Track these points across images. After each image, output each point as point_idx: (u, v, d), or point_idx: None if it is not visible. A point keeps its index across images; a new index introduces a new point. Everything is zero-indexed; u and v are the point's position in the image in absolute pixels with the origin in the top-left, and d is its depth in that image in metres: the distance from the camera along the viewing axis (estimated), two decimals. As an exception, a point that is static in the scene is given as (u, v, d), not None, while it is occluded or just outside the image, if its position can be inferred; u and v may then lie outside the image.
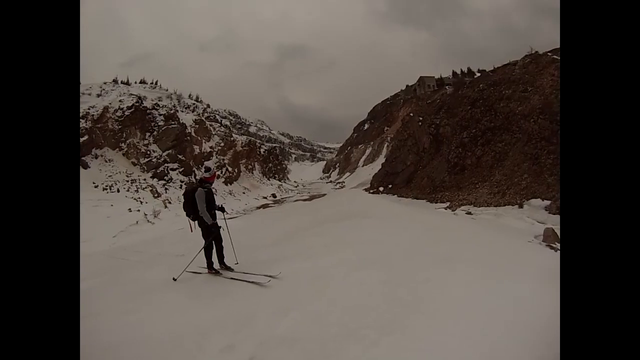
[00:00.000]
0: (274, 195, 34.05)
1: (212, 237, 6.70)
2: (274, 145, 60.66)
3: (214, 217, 6.73)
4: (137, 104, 30.55)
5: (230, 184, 32.88)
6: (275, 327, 4.08)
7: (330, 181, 52.21)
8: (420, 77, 56.10)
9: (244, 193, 32.14)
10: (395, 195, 20.03)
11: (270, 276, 5.97)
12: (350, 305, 4.28)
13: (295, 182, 51.78)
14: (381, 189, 23.48)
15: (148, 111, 31.00)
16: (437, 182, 17.96)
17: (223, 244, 6.83)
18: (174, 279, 6.52)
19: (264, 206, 25.89)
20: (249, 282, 5.90)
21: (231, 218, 15.16)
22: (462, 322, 3.65)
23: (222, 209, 6.96)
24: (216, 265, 6.84)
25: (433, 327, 3.68)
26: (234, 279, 6.24)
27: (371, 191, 23.99)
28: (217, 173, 30.56)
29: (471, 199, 14.19)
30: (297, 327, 4.00)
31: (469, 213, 11.84)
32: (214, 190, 6.96)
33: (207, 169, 6.84)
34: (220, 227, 6.80)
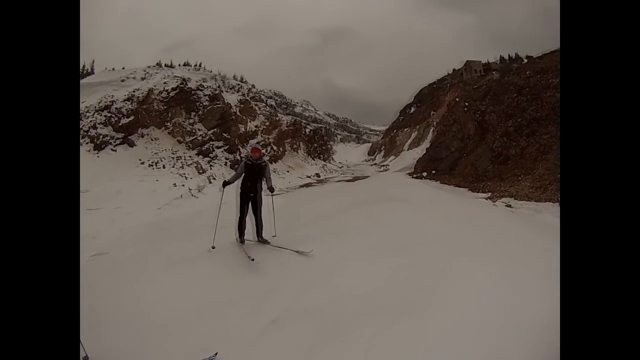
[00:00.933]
0: (317, 175, 34.15)
1: (238, 207, 7.45)
2: (319, 125, 60.50)
3: (246, 188, 7.38)
4: (181, 85, 31.13)
5: (275, 162, 33.13)
6: (299, 298, 4.49)
7: (375, 163, 51.41)
8: (467, 61, 54.48)
9: (288, 172, 32.45)
10: (438, 182, 19.62)
11: (302, 252, 6.44)
12: (374, 287, 4.50)
13: (340, 163, 51.43)
14: (424, 174, 23.11)
15: (193, 92, 31.55)
16: (479, 171, 17.44)
17: (257, 217, 7.45)
18: (212, 248, 7.19)
19: (307, 185, 25.97)
20: (282, 253, 6.45)
21: (274, 195, 15.34)
22: (479, 315, 3.72)
23: (271, 189, 7.44)
24: (250, 236, 7.50)
25: (450, 317, 3.76)
26: (273, 248, 6.87)
27: (414, 176, 23.76)
28: (263, 151, 31.46)
29: (513, 191, 13.65)
30: (319, 301, 4.34)
31: (509, 206, 11.52)
32: (263, 165, 7.54)
33: (250, 145, 7.88)
34: (250, 199, 7.41)
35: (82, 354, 3.65)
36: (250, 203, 7.49)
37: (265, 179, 7.52)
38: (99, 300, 5.04)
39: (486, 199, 13.21)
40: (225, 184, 7.58)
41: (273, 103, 46.57)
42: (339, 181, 27.24)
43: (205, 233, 7.75)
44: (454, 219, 8.32)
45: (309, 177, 32.63)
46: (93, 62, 39.16)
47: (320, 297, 4.46)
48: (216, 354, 3.45)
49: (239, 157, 27.89)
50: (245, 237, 7.48)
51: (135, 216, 13.98)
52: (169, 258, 7.34)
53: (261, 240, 7.48)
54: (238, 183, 7.56)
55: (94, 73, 38.08)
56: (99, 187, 17.64)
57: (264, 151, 32.84)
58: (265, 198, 7.62)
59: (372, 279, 4.81)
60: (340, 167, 46.19)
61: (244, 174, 7.52)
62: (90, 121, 25.68)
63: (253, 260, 6.20)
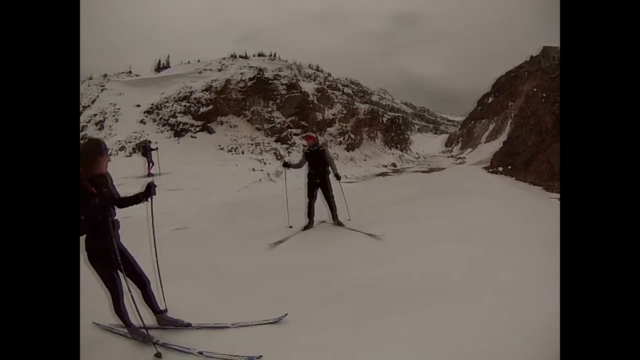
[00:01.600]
0: (394, 165, 33.56)
1: (306, 193, 8.02)
2: (397, 114, 58.93)
3: (311, 176, 7.83)
4: (258, 76, 31.88)
5: (352, 151, 32.97)
6: (365, 275, 4.89)
7: (452, 155, 49.40)
8: (544, 47, 49.27)
9: (364, 160, 32.17)
10: (513, 178, 18.52)
11: (374, 235, 6.81)
12: (434, 270, 4.77)
13: (416, 153, 49.81)
14: (500, 169, 21.94)
15: (270, 81, 32.18)
16: (555, 169, 15.92)
17: (329, 202, 7.89)
18: (290, 227, 7.84)
19: (383, 174, 25.80)
20: (355, 235, 6.95)
21: (350, 182, 17.08)
22: (530, 307, 3.74)
23: (337, 177, 8.00)
24: (323, 217, 8.10)
25: (502, 305, 3.86)
26: (347, 230, 7.42)
27: (490, 170, 22.78)
28: (340, 139, 31.53)
29: (588, 192, 11.87)
30: (382, 278, 4.70)
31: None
32: (321, 150, 7.94)
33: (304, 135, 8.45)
34: (315, 185, 7.83)
35: (162, 307, 3.95)
36: (318, 189, 7.87)
37: (329, 165, 7.83)
38: (179, 263, 5.41)
39: (559, 199, 12.06)
40: (285, 164, 8.34)
41: (350, 91, 45.97)
42: (415, 172, 27.15)
43: (282, 214, 8.28)
44: (521, 215, 8.35)
45: (385, 166, 32.22)
46: (168, 56, 41.00)
47: (383, 275, 4.78)
48: (286, 314, 3.83)
49: (327, 148, 27.71)
50: (315, 221, 8.00)
51: (215, 197, 14.61)
52: (246, 233, 8.15)
53: (337, 222, 7.88)
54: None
55: (170, 67, 39.35)
56: (180, 170, 18.53)
57: (341, 139, 33.02)
58: (337, 184, 8.08)
59: (433, 262, 5.11)
60: (417, 158, 44.65)
61: (307, 162, 7.90)
62: (170, 110, 27.05)
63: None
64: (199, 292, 4.85)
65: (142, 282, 3.75)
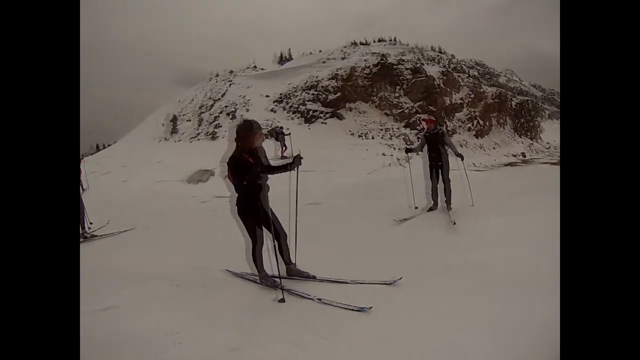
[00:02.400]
0: (523, 155, 31.74)
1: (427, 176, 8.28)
2: (526, 98, 54.72)
3: (432, 159, 7.98)
4: (382, 62, 32.02)
5: (481, 138, 31.95)
6: (475, 257, 4.90)
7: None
8: None
9: (494, 148, 31.00)
10: None
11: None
12: (534, 264, 4.62)
13: (547, 142, 45.73)
14: None
15: (394, 66, 32.19)
16: None
17: (446, 185, 7.90)
18: (415, 207, 8.15)
19: (512, 164, 24.89)
20: (474, 220, 6.91)
21: (479, 171, 17.35)
22: None
23: (460, 156, 8.05)
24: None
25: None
26: (465, 217, 7.25)
27: None
28: (469, 125, 30.38)
29: None
30: (487, 260, 4.72)
31: None
32: (440, 133, 8.05)
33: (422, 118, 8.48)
34: (438, 167, 7.91)
35: (292, 260, 4.63)
36: (439, 172, 7.94)
37: (448, 147, 7.91)
38: (312, 230, 5.74)
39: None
40: (407, 150, 8.54)
41: (475, 73, 43.81)
42: (544, 163, 25.76)
43: (410, 196, 8.47)
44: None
45: (515, 155, 30.75)
46: (289, 49, 42.38)
47: (487, 257, 4.83)
48: (400, 278, 4.13)
49: (445, 130, 26.99)
50: (440, 203, 8.15)
51: (346, 178, 15.30)
52: (374, 210, 8.84)
53: (448, 207, 7.80)
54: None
55: (292, 59, 40.77)
56: (312, 153, 19.59)
57: (469, 125, 31.67)
58: (463, 172, 8.28)
59: (535, 254, 4.87)
60: (547, 149, 41.04)
61: (426, 145, 8.06)
62: (299, 99, 28.33)
63: (455, 224, 6.63)
64: (326, 253, 5.55)
65: (279, 235, 4.42)
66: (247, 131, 4.32)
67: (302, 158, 4.18)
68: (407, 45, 41.13)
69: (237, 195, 4.45)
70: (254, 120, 4.57)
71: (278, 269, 4.43)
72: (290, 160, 4.20)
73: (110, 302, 4.42)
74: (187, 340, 3.40)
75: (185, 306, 4.15)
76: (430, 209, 8.03)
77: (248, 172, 4.18)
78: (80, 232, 8.32)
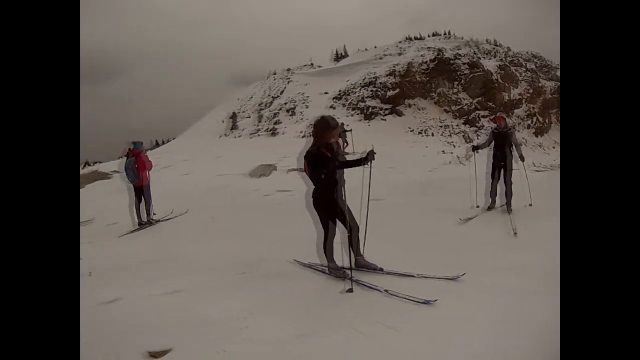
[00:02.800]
0: None
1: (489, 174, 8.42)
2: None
3: (496, 157, 8.08)
4: (438, 57, 31.94)
5: (541, 136, 30.97)
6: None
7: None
8: None
9: (553, 147, 29.42)
10: None
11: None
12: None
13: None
14: None
15: (451, 61, 32.00)
16: None
17: (507, 186, 8.03)
18: (477, 206, 8.33)
19: None
20: (534, 223, 6.94)
21: (538, 171, 17.03)
22: None
23: (521, 157, 8.02)
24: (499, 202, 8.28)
25: None
26: (524, 219, 7.29)
27: None
28: (528, 122, 30.53)
29: None
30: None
31: None
32: (509, 132, 8.19)
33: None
34: (501, 167, 8.05)
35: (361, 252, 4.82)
36: (501, 170, 8.05)
37: (514, 147, 7.97)
38: (377, 225, 5.87)
39: None
40: (474, 148, 8.46)
41: (533, 66, 42.27)
42: None
43: (470, 194, 8.73)
44: None
45: None
46: (344, 46, 42.51)
47: (546, 258, 4.70)
48: (464, 274, 4.26)
49: (514, 130, 26.94)
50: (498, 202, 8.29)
51: (407, 175, 15.48)
52: (436, 207, 9.05)
53: (509, 209, 7.85)
54: (489, 152, 8.35)
55: (347, 56, 40.69)
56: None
57: (529, 122, 31.01)
58: (523, 171, 8.18)
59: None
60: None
61: (493, 142, 8.13)
62: (358, 96, 28.68)
63: (515, 234, 6.56)
64: (392, 247, 5.69)
65: (352, 228, 4.57)
66: (324, 127, 4.54)
67: (375, 153, 4.32)
68: (462, 38, 40.13)
69: (313, 188, 4.69)
70: (330, 116, 4.81)
71: (350, 260, 4.60)
72: (362, 155, 4.38)
73: (178, 285, 4.78)
74: (254, 326, 3.55)
75: (252, 294, 4.39)
76: (489, 208, 8.19)
77: (326, 166, 4.42)
78: (146, 219, 9.27)
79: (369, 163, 4.32)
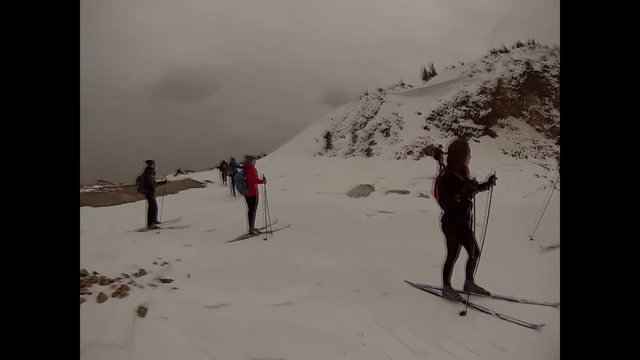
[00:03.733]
0: None
1: None
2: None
3: None
4: (527, 70, 31.31)
5: None
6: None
7: None
8: None
9: None
10: None
11: None
12: None
13: None
14: None
15: (540, 75, 31.39)
16: None
17: None
18: (531, 239, 8.16)
19: None
20: None
21: None
22: None
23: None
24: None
25: None
26: None
27: None
28: None
29: None
30: None
31: None
32: None
33: None
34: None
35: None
36: None
37: None
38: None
39: None
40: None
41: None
42: None
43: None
44: None
45: None
46: (432, 64, 40.93)
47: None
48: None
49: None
50: None
51: (503, 201, 14.77)
52: (528, 233, 8.56)
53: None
54: None
55: (436, 74, 39.81)
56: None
57: None
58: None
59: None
60: None
61: None
62: (451, 116, 28.98)
63: None
64: (495, 272, 5.41)
65: (473, 252, 4.65)
66: (463, 152, 4.55)
67: (496, 178, 4.45)
68: (547, 47, 38.76)
69: (442, 211, 4.77)
70: (465, 140, 4.92)
71: (473, 283, 4.76)
72: (485, 181, 4.51)
73: (287, 297, 4.74)
74: (372, 342, 3.65)
75: (366, 310, 4.42)
76: None
77: (459, 190, 4.44)
78: (251, 229, 9.36)
79: (490, 187, 4.50)
